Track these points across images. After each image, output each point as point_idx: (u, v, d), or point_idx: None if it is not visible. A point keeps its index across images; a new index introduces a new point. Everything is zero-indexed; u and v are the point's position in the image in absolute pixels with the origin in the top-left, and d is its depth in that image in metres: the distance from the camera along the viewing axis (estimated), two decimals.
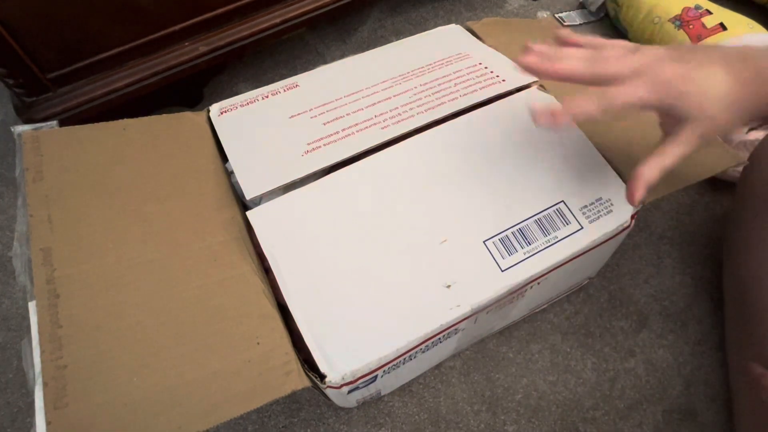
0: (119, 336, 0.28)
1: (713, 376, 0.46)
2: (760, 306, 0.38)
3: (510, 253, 0.34)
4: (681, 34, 0.63)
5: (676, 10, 0.64)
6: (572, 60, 0.30)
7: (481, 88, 0.41)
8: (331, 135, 0.38)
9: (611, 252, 0.43)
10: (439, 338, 0.34)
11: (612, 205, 0.36)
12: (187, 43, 0.53)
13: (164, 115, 0.40)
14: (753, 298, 0.39)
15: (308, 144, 0.37)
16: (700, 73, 0.28)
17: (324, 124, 0.39)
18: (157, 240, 0.32)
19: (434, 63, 0.44)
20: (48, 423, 0.25)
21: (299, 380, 0.28)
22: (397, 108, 0.40)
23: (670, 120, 0.30)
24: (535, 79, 0.42)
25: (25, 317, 0.28)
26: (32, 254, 0.30)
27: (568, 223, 0.35)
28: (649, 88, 0.28)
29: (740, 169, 0.47)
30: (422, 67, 0.44)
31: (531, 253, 0.34)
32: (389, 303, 0.32)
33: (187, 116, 0.40)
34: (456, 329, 0.35)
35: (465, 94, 0.41)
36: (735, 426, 0.42)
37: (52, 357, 0.27)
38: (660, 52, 0.30)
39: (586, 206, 0.36)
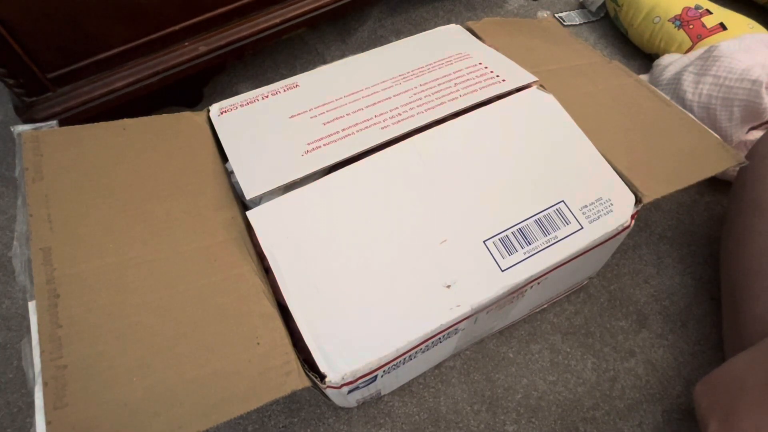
0: (119, 336, 0.28)
1: None
2: (749, 306, 0.38)
3: (510, 253, 0.34)
4: (681, 34, 0.63)
5: (676, 10, 0.65)
6: None
7: (481, 88, 0.41)
8: (331, 135, 0.38)
9: (611, 252, 0.43)
10: (439, 338, 0.34)
11: (612, 205, 0.36)
12: (187, 43, 0.53)
13: (164, 115, 0.40)
14: (743, 299, 0.39)
15: (308, 144, 0.37)
16: None
17: (324, 124, 0.39)
18: (157, 240, 0.32)
19: (434, 63, 0.44)
20: (48, 423, 0.25)
21: (299, 380, 0.28)
22: (397, 108, 0.40)
23: None
24: (535, 78, 0.42)
25: (25, 317, 0.28)
26: (32, 254, 0.30)
27: (568, 223, 0.35)
28: None
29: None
30: (422, 67, 0.44)
31: (531, 253, 0.34)
32: (389, 303, 0.32)
33: (187, 116, 0.40)
34: (456, 329, 0.35)
35: (465, 94, 0.41)
36: None
37: (52, 357, 0.27)
38: None
39: (586, 206, 0.36)
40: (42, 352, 0.27)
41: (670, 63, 0.58)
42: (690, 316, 0.49)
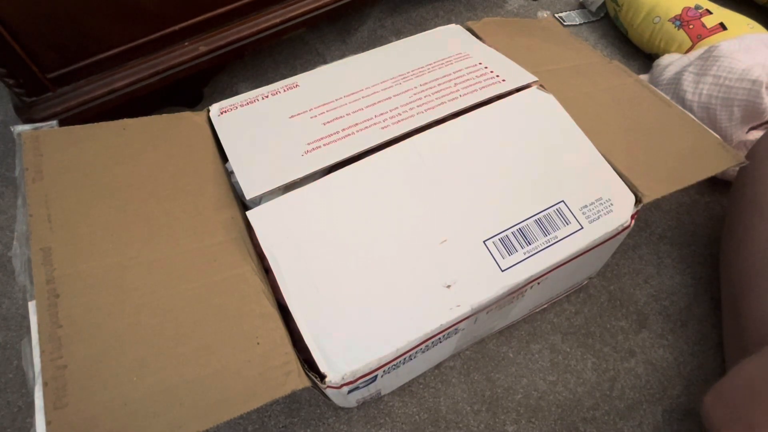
0: (119, 336, 0.28)
1: (713, 376, 0.46)
2: (750, 307, 0.38)
3: (510, 253, 0.34)
4: (681, 34, 0.63)
5: (676, 10, 0.65)
6: None
7: (481, 88, 0.41)
8: (331, 135, 0.38)
9: (611, 252, 0.43)
10: (439, 338, 0.34)
11: (612, 205, 0.36)
12: (187, 43, 0.53)
13: (164, 115, 0.40)
14: (744, 299, 0.39)
15: (308, 144, 0.37)
16: None
17: (324, 124, 0.39)
18: (157, 240, 0.32)
19: (434, 63, 0.44)
20: (48, 423, 0.25)
21: (299, 380, 0.28)
22: (397, 108, 0.40)
23: None
24: (535, 78, 0.42)
25: (25, 317, 0.28)
26: (32, 254, 0.30)
27: (568, 223, 0.35)
28: None
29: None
30: (422, 67, 0.44)
31: (531, 253, 0.34)
32: (389, 303, 0.32)
33: (187, 116, 0.40)
34: (456, 329, 0.35)
35: (465, 94, 0.41)
36: None
37: (52, 357, 0.27)
38: None
39: (586, 206, 0.36)
40: (42, 352, 0.27)
41: (670, 63, 0.58)
42: (690, 316, 0.49)
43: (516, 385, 0.45)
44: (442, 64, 0.44)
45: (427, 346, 0.34)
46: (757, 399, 0.30)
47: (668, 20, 0.65)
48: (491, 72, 0.43)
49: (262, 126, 0.40)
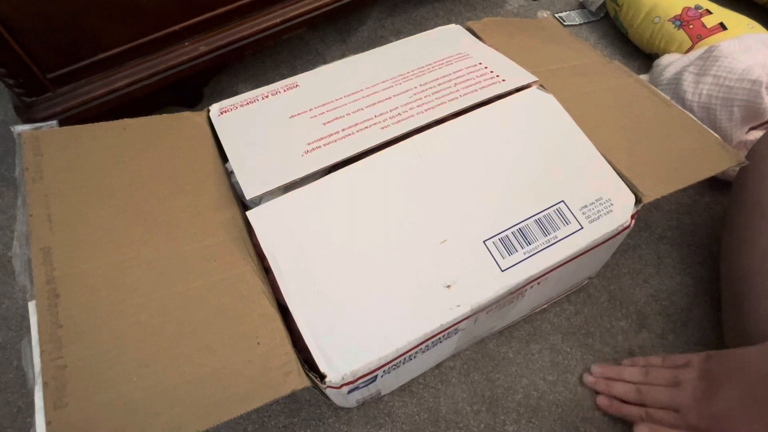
0: (119, 336, 0.28)
1: None
2: (750, 307, 0.38)
3: (510, 253, 0.34)
4: (681, 34, 0.63)
5: (676, 10, 0.65)
6: (623, 387, 0.41)
7: (481, 88, 0.41)
8: (331, 135, 0.38)
9: (611, 252, 0.43)
10: (439, 338, 0.34)
11: (612, 205, 0.36)
12: (187, 43, 0.53)
13: (164, 115, 0.40)
14: (746, 300, 0.39)
15: (308, 144, 0.37)
16: (740, 407, 0.33)
17: (324, 124, 0.39)
18: (157, 240, 0.32)
19: (434, 63, 0.44)
20: (48, 423, 0.25)
21: (299, 380, 0.28)
22: (397, 108, 0.40)
23: None
24: (535, 78, 0.42)
25: (25, 317, 0.28)
26: (32, 254, 0.30)
27: (568, 223, 0.35)
28: (693, 425, 0.35)
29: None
30: (422, 67, 0.44)
31: (531, 253, 0.34)
32: (389, 303, 0.32)
33: (187, 116, 0.40)
34: (456, 329, 0.35)
35: (465, 94, 0.41)
36: None
37: (52, 357, 0.27)
38: (697, 385, 0.36)
39: (586, 206, 0.36)
40: (42, 352, 0.27)
41: (670, 63, 0.58)
42: (690, 316, 0.49)
43: (516, 385, 0.45)
44: (442, 64, 0.44)
45: (427, 346, 0.34)
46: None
47: (668, 20, 0.65)
48: (491, 72, 0.43)
49: (262, 126, 0.40)
